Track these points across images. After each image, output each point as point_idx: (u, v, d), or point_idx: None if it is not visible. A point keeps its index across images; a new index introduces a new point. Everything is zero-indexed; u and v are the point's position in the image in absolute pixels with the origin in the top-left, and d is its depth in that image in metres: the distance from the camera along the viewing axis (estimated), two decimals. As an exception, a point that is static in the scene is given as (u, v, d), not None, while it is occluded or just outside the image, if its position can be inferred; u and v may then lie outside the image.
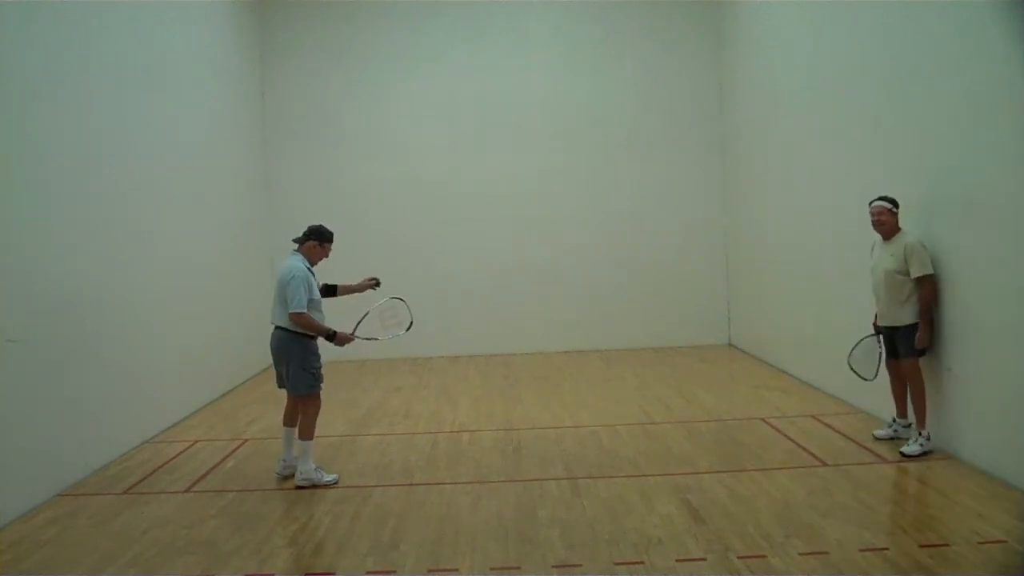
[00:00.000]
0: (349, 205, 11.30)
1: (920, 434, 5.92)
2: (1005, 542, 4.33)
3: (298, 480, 5.77)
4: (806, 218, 8.55)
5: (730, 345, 11.50)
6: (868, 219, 6.22)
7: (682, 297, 11.57)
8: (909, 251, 5.87)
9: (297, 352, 5.78)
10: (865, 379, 6.38)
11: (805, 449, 6.23)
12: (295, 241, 6.00)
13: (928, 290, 5.83)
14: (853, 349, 6.43)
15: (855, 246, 7.03)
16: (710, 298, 11.59)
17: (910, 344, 5.92)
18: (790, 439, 6.53)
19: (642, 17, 11.53)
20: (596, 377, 9.63)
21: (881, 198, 6.10)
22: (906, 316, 5.95)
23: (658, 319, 11.54)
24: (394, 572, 4.32)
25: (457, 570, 4.32)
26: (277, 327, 5.82)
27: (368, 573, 4.33)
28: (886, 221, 6.07)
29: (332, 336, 5.77)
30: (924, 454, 5.85)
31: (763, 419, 7.21)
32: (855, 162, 7.29)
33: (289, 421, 6.03)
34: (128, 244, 7.17)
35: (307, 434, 5.82)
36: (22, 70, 5.74)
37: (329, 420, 7.83)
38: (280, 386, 6.00)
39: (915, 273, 5.85)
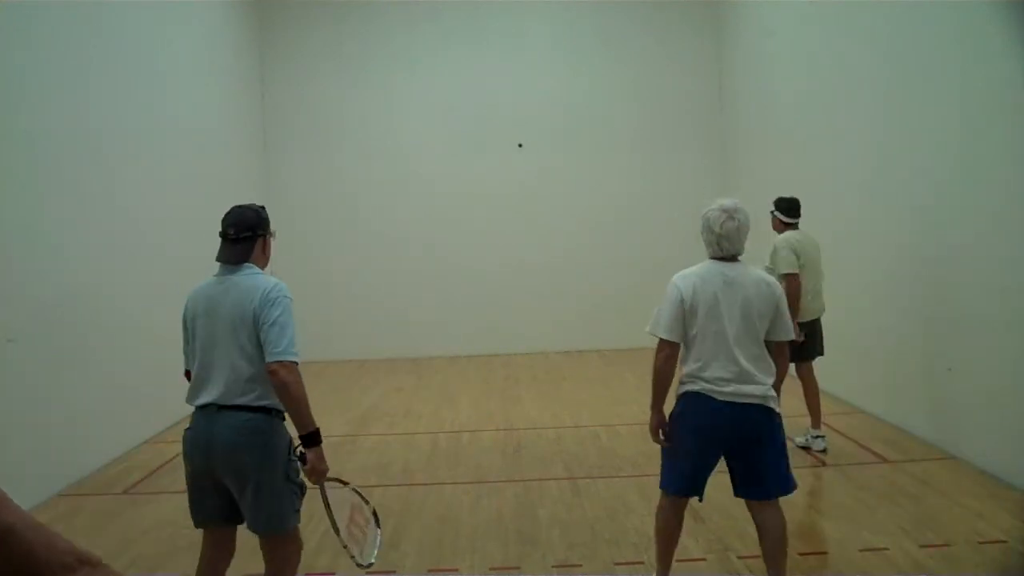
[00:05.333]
0: (349, 205, 11.32)
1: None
2: (1005, 542, 4.33)
3: None
4: (805, 218, 8.51)
5: (730, 345, 11.48)
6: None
7: (682, 297, 11.53)
8: (772, 250, 5.75)
9: (279, 448, 3.22)
10: None
11: (805, 449, 6.22)
12: (242, 239, 3.42)
13: (789, 287, 5.51)
14: None
15: (853, 246, 7.03)
16: (710, 298, 11.55)
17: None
18: (790, 439, 6.51)
19: (642, 17, 11.53)
20: (596, 377, 9.63)
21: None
22: None
23: (658, 319, 11.51)
24: (394, 572, 4.32)
25: (457, 570, 4.32)
26: (234, 407, 3.23)
27: (368, 573, 4.32)
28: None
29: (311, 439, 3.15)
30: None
31: (763, 419, 7.19)
32: (855, 162, 7.29)
33: None
34: (127, 243, 7.16)
35: None
36: (21, 70, 5.74)
37: (329, 420, 7.83)
38: (204, 523, 3.37)
39: (778, 270, 5.64)
